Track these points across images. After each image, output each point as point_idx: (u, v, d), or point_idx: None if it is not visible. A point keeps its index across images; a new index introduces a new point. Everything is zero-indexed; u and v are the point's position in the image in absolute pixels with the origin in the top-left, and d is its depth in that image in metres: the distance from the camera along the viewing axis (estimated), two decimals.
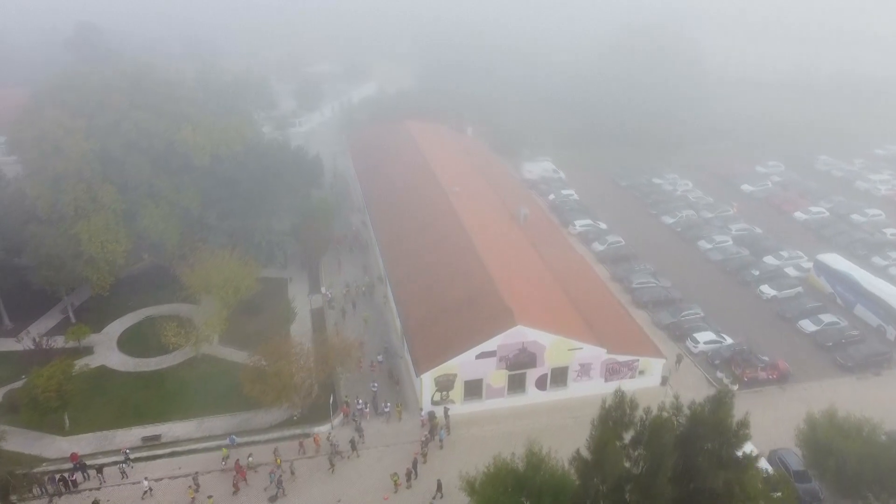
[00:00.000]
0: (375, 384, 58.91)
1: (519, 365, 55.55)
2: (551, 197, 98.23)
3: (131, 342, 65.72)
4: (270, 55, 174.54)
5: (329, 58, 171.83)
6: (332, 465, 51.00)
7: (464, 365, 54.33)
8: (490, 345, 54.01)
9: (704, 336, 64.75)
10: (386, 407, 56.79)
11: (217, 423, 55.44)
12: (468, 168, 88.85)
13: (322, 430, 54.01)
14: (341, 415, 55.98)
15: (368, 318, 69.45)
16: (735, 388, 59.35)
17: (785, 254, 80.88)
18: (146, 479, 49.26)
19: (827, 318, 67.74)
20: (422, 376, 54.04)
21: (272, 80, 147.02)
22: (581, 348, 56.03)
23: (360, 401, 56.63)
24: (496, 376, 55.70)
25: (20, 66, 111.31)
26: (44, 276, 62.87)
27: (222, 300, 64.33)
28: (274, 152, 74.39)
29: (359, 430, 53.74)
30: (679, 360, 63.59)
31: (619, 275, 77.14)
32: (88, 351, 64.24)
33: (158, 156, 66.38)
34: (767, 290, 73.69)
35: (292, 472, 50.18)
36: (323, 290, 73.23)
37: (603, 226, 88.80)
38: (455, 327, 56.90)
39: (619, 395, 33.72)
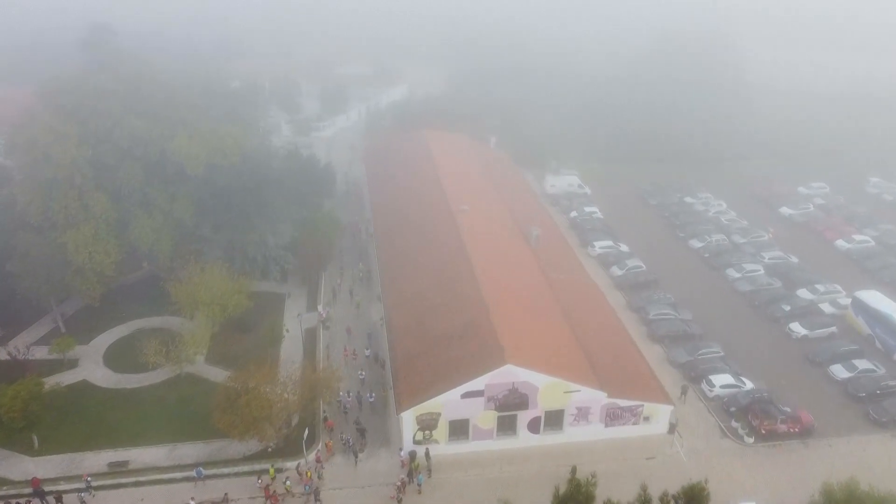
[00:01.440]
0: (363, 372, 60.61)
1: (509, 406, 51.34)
2: (573, 214, 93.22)
3: (118, 356, 63.56)
4: (303, 56, 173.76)
5: (361, 59, 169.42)
6: (357, 458, 51.65)
7: (448, 403, 50.38)
8: (477, 384, 49.95)
9: (721, 379, 59.28)
10: (370, 397, 57.45)
11: (189, 451, 52.75)
12: (484, 183, 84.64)
13: (291, 464, 50.84)
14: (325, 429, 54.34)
15: (361, 303, 71.56)
16: (751, 440, 54.12)
17: (821, 288, 74.36)
18: (192, 500, 47.46)
19: (862, 364, 61.48)
20: (402, 414, 50.25)
21: (301, 81, 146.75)
22: (578, 391, 51.48)
23: (342, 393, 56.65)
24: (484, 417, 51.60)
25: (41, 66, 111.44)
26: (28, 286, 61.28)
27: (208, 318, 61.88)
28: (275, 162, 71.67)
29: (358, 422, 54.37)
30: (684, 391, 58.77)
31: (636, 304, 71.98)
32: (73, 363, 62.42)
33: (152, 164, 64.22)
34: (798, 328, 67.58)
35: (320, 477, 50.04)
36: (319, 308, 70.13)
37: (624, 248, 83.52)
38: (443, 361, 52.97)
39: (574, 484, 29.31)
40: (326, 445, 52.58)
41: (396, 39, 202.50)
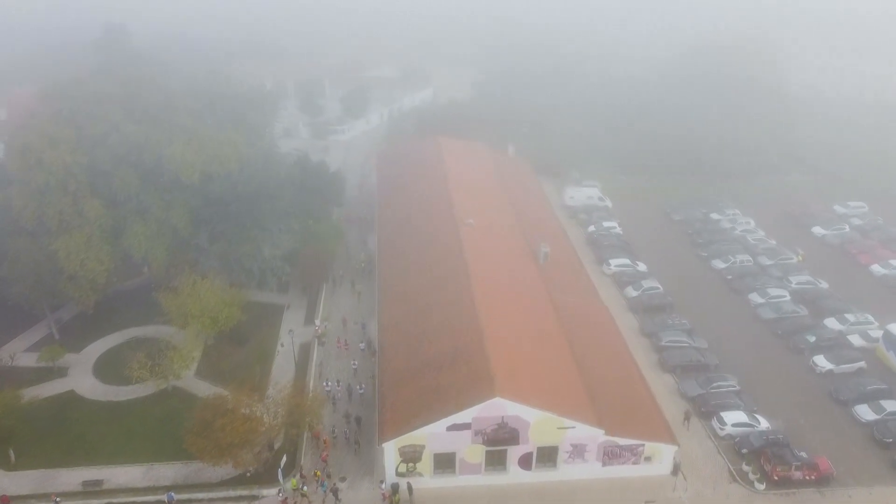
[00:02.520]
0: (355, 362, 61.90)
1: (498, 441, 48.26)
2: (591, 228, 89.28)
3: (108, 366, 62.14)
4: (336, 57, 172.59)
5: (391, 61, 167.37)
6: (358, 444, 52.99)
7: (433, 436, 47.54)
8: (464, 416, 46.99)
9: (733, 416, 55.19)
10: (361, 389, 58.32)
11: (166, 472, 51.00)
12: (496, 194, 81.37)
13: (267, 491, 48.57)
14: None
15: (362, 293, 72.62)
16: (762, 487, 50.04)
17: (851, 317, 69.28)
18: None
19: (890, 405, 56.69)
20: (384, 445, 47.56)
21: (327, 83, 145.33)
22: (573, 427, 48.11)
23: (328, 382, 59.00)
24: (472, 451, 48.61)
25: (62, 66, 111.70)
26: (18, 292, 60.33)
27: (200, 331, 60.31)
28: (279, 169, 69.72)
29: (347, 416, 55.24)
30: (687, 417, 55.38)
31: (649, 329, 68.01)
32: (63, 372, 61.38)
33: (148, 170, 62.72)
34: (822, 362, 62.90)
35: (329, 476, 50.08)
36: (317, 322, 67.92)
37: (642, 267, 79.38)
38: (431, 388, 50.09)
39: None
40: (324, 442, 52.89)
41: (428, 39, 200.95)
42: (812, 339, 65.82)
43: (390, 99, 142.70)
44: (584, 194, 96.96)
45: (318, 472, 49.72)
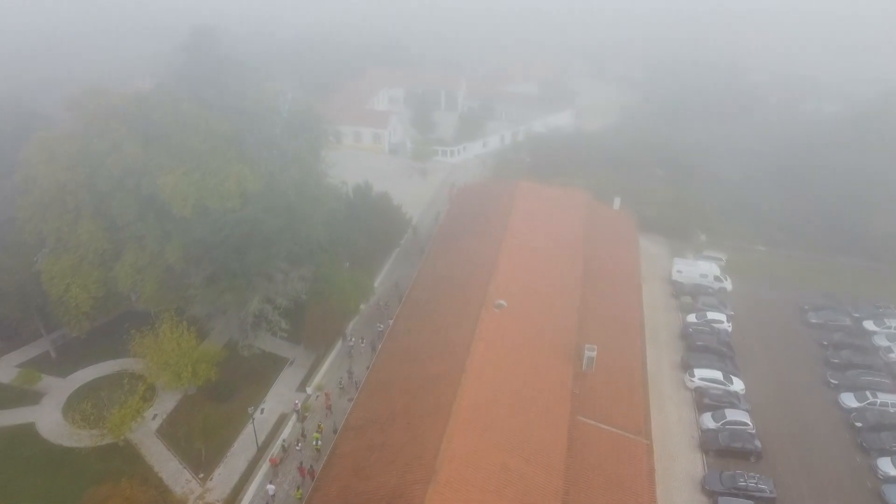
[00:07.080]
0: (381, 325, 65.04)
1: None
2: (691, 317, 71.13)
3: (84, 400, 57.33)
4: (480, 67, 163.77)
5: (539, 75, 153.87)
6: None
7: None
8: None
9: None
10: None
11: None
12: (567, 264, 66.44)
13: None
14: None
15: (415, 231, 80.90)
16: None
17: None
18: None
19: None
20: None
21: (459, 95, 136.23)
22: None
23: (352, 339, 64.10)
24: None
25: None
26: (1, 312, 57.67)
27: (162, 386, 54.15)
28: (303, 207, 61.44)
29: (350, 372, 60.10)
30: None
31: (713, 485, 50.52)
32: (37, 398, 58.06)
33: (149, 197, 57.03)
34: None
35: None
36: (308, 390, 58.94)
37: (737, 385, 60.68)
38: None
39: None
40: (326, 395, 57.25)
41: (593, 53, 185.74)
42: None
43: (521, 119, 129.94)
44: (696, 270, 78.06)
45: (322, 426, 53.42)
